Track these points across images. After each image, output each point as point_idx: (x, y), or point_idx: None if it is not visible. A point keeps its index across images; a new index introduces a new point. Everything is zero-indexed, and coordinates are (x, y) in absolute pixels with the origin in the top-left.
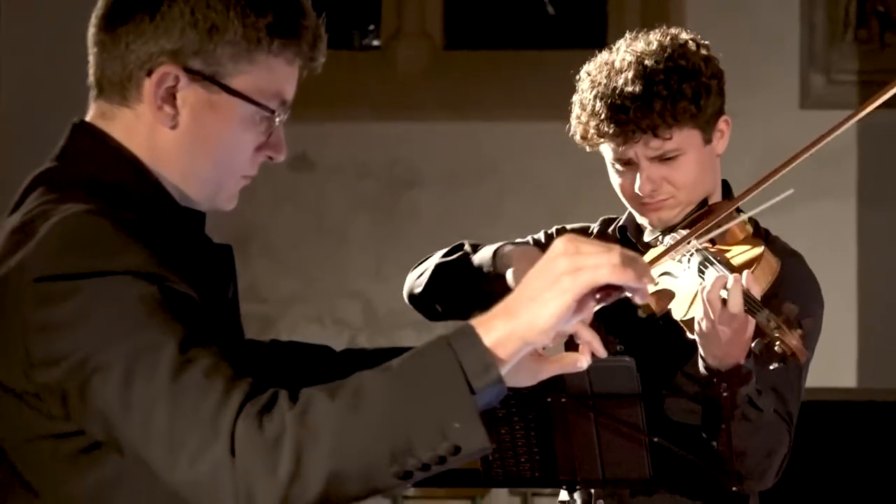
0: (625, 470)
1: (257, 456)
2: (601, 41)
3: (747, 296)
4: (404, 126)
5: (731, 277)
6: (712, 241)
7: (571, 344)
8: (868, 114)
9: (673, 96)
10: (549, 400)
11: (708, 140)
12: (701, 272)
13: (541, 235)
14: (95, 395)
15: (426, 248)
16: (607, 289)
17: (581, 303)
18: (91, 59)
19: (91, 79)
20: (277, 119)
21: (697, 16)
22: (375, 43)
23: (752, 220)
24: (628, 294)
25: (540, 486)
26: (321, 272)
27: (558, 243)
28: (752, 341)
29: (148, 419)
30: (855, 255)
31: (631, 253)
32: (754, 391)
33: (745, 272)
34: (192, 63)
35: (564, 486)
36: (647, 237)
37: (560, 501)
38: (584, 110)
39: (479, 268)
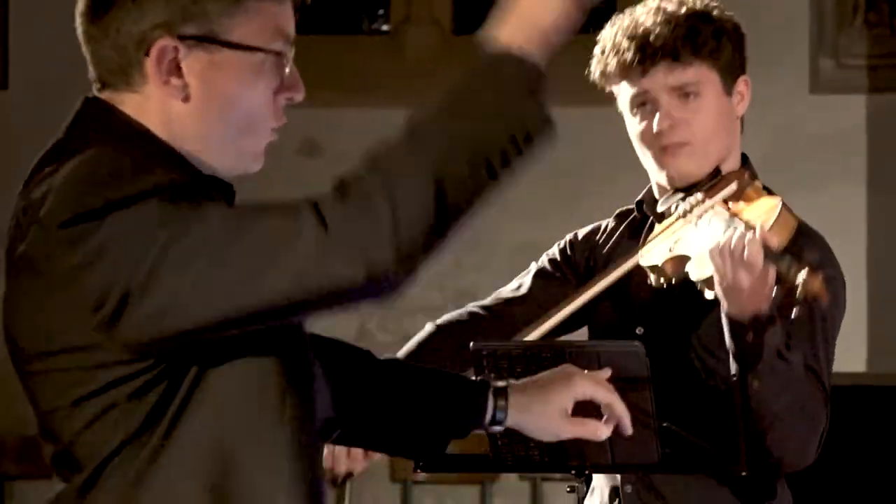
0: (634, 455)
1: (353, 214)
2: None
3: (766, 245)
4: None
5: (748, 231)
6: (726, 203)
7: (590, 406)
8: (878, 98)
9: (693, 31)
10: None
11: (727, 91)
12: (718, 229)
13: (555, 253)
14: (158, 300)
15: None
16: None
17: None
18: (87, 55)
19: (92, 74)
20: (286, 58)
21: None
22: (384, 28)
23: (766, 188)
24: None
25: (549, 471)
26: None
27: None
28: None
29: (223, 268)
30: (864, 240)
31: None
32: (783, 343)
33: (761, 223)
34: (185, 29)
35: (573, 472)
36: (660, 207)
37: (569, 487)
38: (607, 46)
39: None
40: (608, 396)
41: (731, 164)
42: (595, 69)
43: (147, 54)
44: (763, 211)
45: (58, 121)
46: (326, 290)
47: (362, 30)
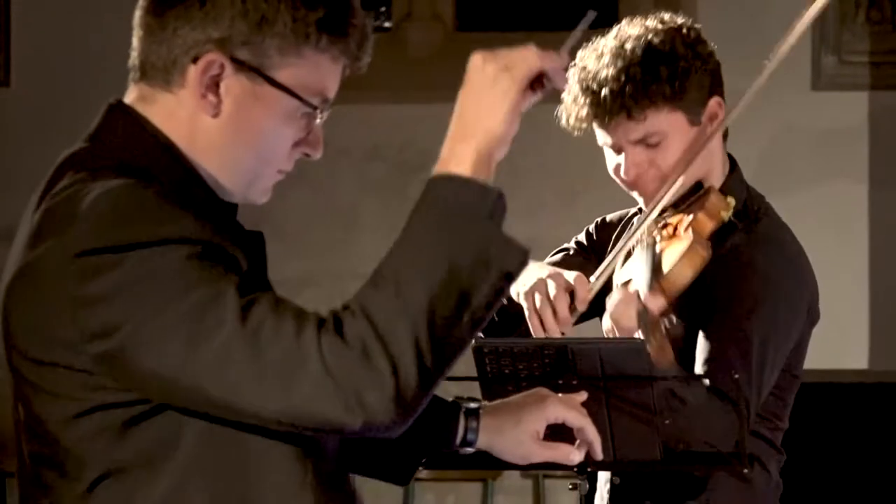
0: (635, 451)
1: (354, 365)
2: (612, 22)
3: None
4: (415, 108)
5: (632, 299)
6: (674, 228)
7: (563, 429)
8: (881, 95)
9: (645, 78)
10: (560, 382)
11: (695, 122)
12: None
13: (582, 237)
14: (158, 359)
15: None
16: (535, 84)
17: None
18: (135, 41)
19: (134, 61)
20: (319, 116)
21: None
22: (387, 24)
23: (737, 204)
24: (551, 81)
25: (551, 469)
26: (331, 255)
27: (473, 60)
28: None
29: (227, 366)
30: (867, 237)
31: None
32: (675, 383)
33: (646, 293)
34: (238, 53)
35: (575, 469)
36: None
37: (571, 484)
38: (567, 95)
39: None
40: (580, 420)
41: (716, 176)
42: (562, 116)
43: (194, 62)
44: (674, 254)
45: (60, 117)
46: (318, 426)
47: None
